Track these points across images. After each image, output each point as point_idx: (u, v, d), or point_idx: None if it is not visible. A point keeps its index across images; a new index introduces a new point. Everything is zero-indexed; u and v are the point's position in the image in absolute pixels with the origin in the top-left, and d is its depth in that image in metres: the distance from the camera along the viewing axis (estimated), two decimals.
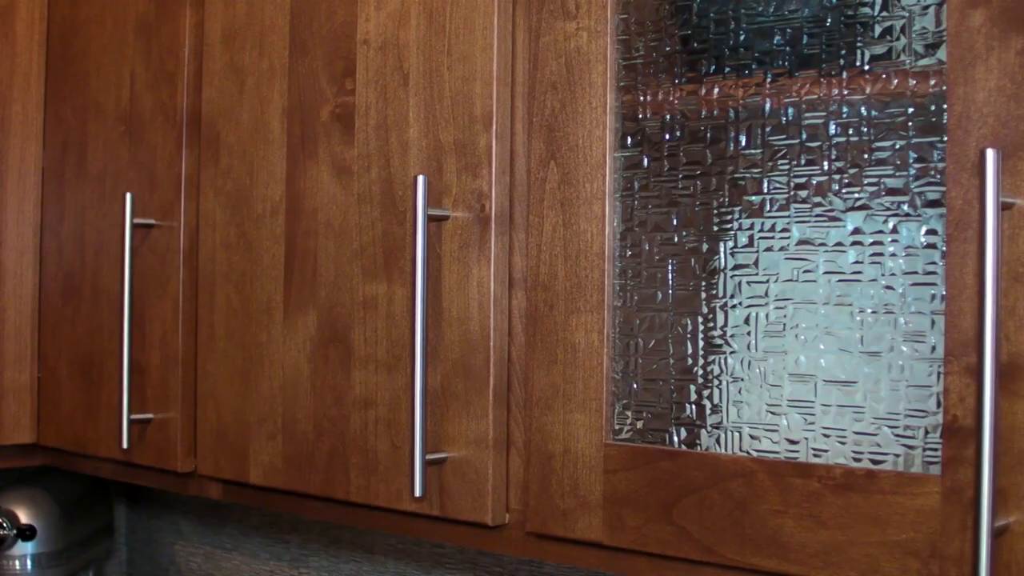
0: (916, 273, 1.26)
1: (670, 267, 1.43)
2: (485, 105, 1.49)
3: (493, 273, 1.48)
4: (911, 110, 1.26)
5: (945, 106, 1.18)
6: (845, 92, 1.30)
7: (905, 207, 1.27)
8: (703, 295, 1.42)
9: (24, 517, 2.20)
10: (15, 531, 2.19)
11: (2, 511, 2.19)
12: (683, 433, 1.42)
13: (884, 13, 1.29)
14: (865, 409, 1.29)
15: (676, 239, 1.43)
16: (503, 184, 1.49)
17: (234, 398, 1.78)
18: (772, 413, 1.36)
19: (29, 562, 2.21)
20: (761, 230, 1.37)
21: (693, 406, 1.42)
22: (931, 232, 1.26)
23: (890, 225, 1.28)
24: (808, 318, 1.34)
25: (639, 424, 1.44)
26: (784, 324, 1.35)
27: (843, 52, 1.32)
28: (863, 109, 1.30)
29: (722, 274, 1.40)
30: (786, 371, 1.35)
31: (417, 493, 1.47)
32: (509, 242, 1.50)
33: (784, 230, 1.36)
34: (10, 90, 2.07)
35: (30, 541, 2.20)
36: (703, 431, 1.41)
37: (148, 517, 2.63)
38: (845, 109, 1.31)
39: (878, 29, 1.30)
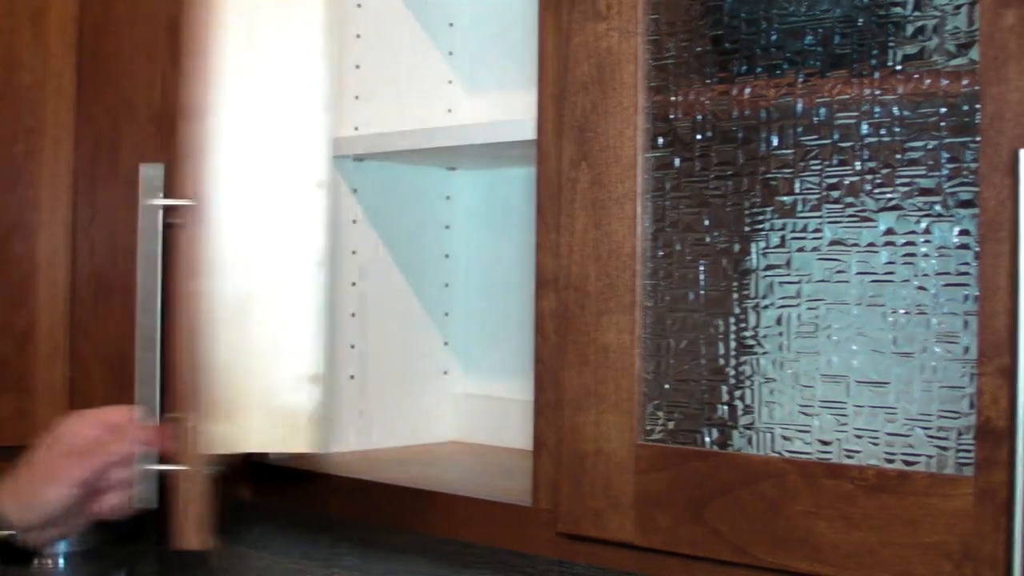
0: (949, 274, 1.26)
1: (702, 267, 1.43)
2: None
3: None
4: (943, 110, 1.26)
5: (978, 106, 1.17)
6: (877, 92, 1.30)
7: (938, 207, 1.27)
8: (735, 295, 1.42)
9: None
10: None
11: None
12: (715, 434, 1.42)
13: (916, 13, 1.29)
14: (898, 410, 1.29)
15: (708, 239, 1.43)
16: None
17: None
18: (804, 414, 1.36)
19: (62, 561, 2.21)
20: (793, 230, 1.37)
21: (725, 407, 1.42)
22: (964, 232, 1.25)
23: (923, 225, 1.28)
24: (840, 319, 1.33)
25: (671, 425, 1.43)
26: (816, 325, 1.35)
27: (875, 52, 1.32)
28: (895, 109, 1.29)
29: (754, 274, 1.40)
30: (818, 372, 1.35)
31: None
32: (540, 242, 1.50)
33: (816, 230, 1.35)
34: (43, 90, 2.08)
35: (63, 540, 2.21)
36: (735, 432, 1.41)
37: None
38: (877, 109, 1.30)
39: (910, 29, 1.29)
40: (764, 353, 1.40)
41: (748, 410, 1.40)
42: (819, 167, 1.35)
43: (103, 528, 2.27)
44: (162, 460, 1.54)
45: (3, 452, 1.65)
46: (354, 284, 2.02)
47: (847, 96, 1.32)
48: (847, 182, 1.33)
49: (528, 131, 1.62)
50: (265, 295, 1.48)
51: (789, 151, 1.36)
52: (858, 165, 1.32)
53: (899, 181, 1.29)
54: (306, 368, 1.48)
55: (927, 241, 1.28)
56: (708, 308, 1.43)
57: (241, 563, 2.50)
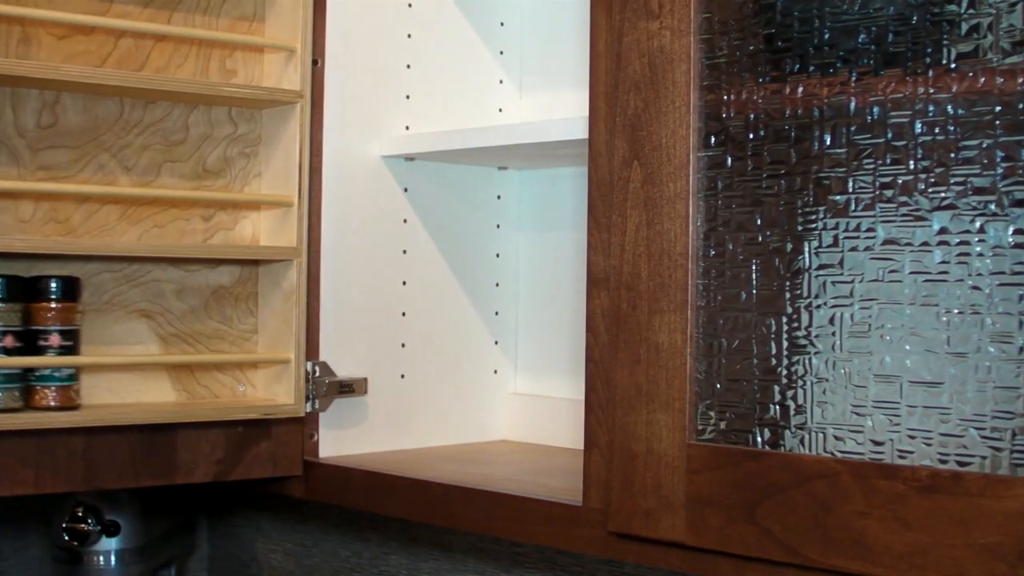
0: (1003, 273, 1.25)
1: (754, 267, 1.43)
2: None
3: None
4: (998, 108, 1.25)
5: None
6: (931, 90, 1.29)
7: (992, 206, 1.26)
8: (787, 295, 1.41)
9: (108, 513, 2.22)
10: (99, 527, 2.21)
11: (87, 507, 2.22)
12: (767, 434, 1.41)
13: (971, 11, 1.28)
14: (951, 410, 1.28)
15: (760, 239, 1.42)
16: None
17: None
18: (857, 414, 1.35)
19: (113, 557, 2.22)
20: (846, 230, 1.36)
21: (777, 407, 1.41)
22: (1019, 232, 1.24)
23: (977, 225, 1.27)
24: (894, 318, 1.33)
25: (722, 424, 1.43)
26: (869, 324, 1.35)
27: (929, 50, 1.31)
28: (949, 107, 1.28)
29: (806, 274, 1.40)
30: (871, 372, 1.34)
31: None
32: (592, 241, 1.50)
33: (869, 230, 1.35)
34: None
35: (114, 537, 2.22)
36: (787, 432, 1.41)
37: (229, 514, 2.65)
38: (931, 108, 1.30)
39: (964, 27, 1.29)
40: (816, 353, 1.39)
41: (800, 410, 1.40)
42: (872, 166, 1.34)
43: (154, 525, 2.29)
44: None
45: None
46: (405, 283, 2.03)
47: (901, 95, 1.31)
48: (900, 181, 1.32)
49: (580, 130, 1.62)
50: None
51: (842, 150, 1.36)
52: (912, 164, 1.31)
53: (953, 180, 1.28)
54: None
55: (981, 240, 1.27)
56: (760, 308, 1.43)
57: (290, 561, 2.51)
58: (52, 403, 1.75)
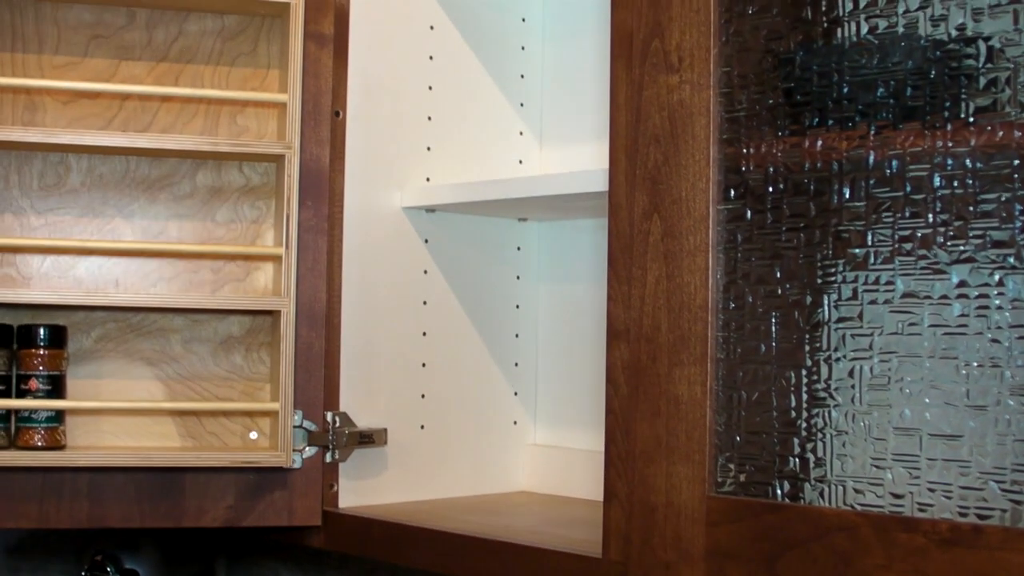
0: (1022, 326, 1.25)
1: (773, 320, 1.43)
2: None
3: None
4: (1016, 162, 1.25)
5: None
6: (950, 144, 1.30)
7: (1011, 259, 1.27)
8: (807, 348, 1.42)
9: (127, 561, 2.23)
10: (118, 575, 2.22)
11: (106, 555, 2.22)
12: (786, 486, 1.41)
13: (989, 65, 1.29)
14: (971, 463, 1.28)
15: (779, 291, 1.43)
16: None
17: None
18: (876, 467, 1.35)
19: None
20: (865, 283, 1.37)
21: (797, 459, 1.41)
22: None
23: (996, 278, 1.27)
24: (913, 371, 1.33)
25: (742, 477, 1.43)
26: (889, 377, 1.35)
27: (947, 104, 1.32)
28: (968, 161, 1.29)
29: (826, 327, 1.40)
30: (891, 424, 1.34)
31: None
32: (612, 294, 1.51)
33: (888, 283, 1.35)
34: None
35: None
36: (807, 484, 1.41)
37: (249, 563, 2.64)
38: (950, 161, 1.30)
39: (983, 81, 1.29)
40: (836, 405, 1.39)
41: (820, 463, 1.40)
42: (891, 219, 1.34)
43: (172, 574, 2.29)
44: None
45: None
46: (425, 334, 2.03)
47: (919, 148, 1.32)
48: (919, 234, 1.33)
49: (600, 183, 1.63)
50: None
51: (861, 203, 1.36)
52: (930, 217, 1.32)
53: (972, 233, 1.29)
54: None
55: (1000, 294, 1.27)
56: (780, 360, 1.43)
57: None
58: (39, 443, 1.81)
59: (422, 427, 2.03)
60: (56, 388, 1.82)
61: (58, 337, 1.83)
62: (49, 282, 1.88)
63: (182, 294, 1.91)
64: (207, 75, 1.95)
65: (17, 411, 1.81)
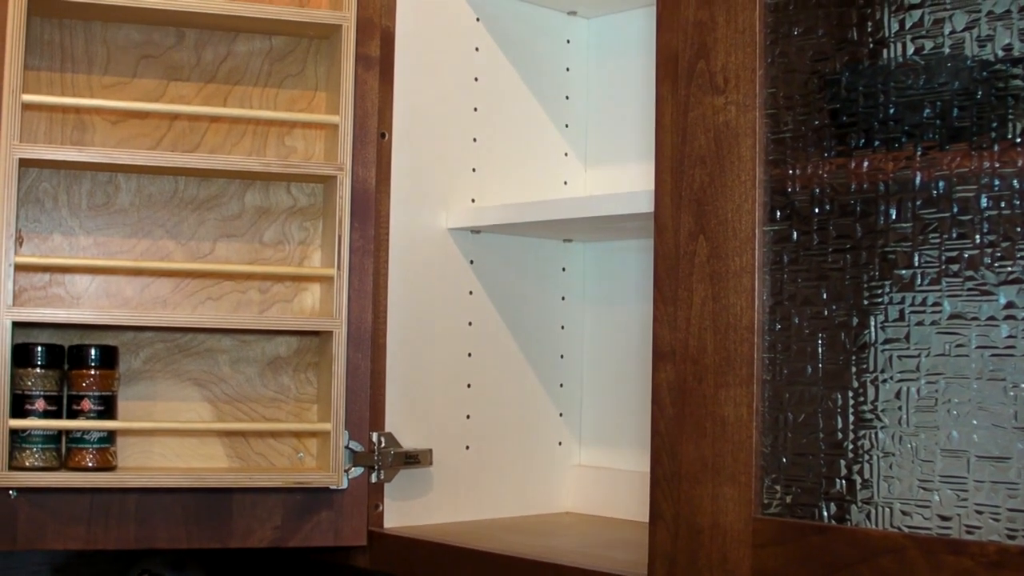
0: None
1: (820, 341, 1.43)
2: None
3: None
4: None
5: None
6: (997, 164, 1.30)
7: None
8: (853, 369, 1.41)
9: None
10: None
11: (152, 575, 2.23)
12: (833, 508, 1.41)
13: None
14: (1019, 485, 1.27)
15: (826, 313, 1.43)
16: None
17: None
18: (924, 489, 1.34)
19: None
20: (912, 304, 1.36)
21: (843, 481, 1.41)
22: None
23: None
24: (960, 393, 1.32)
25: (788, 498, 1.43)
26: (936, 399, 1.34)
27: (994, 124, 1.31)
28: (1015, 182, 1.29)
29: (873, 348, 1.40)
30: (938, 446, 1.34)
31: None
32: (657, 315, 1.51)
33: (935, 304, 1.35)
34: None
35: None
36: (853, 506, 1.40)
37: None
38: (997, 182, 1.30)
39: None
40: (883, 427, 1.39)
41: (867, 484, 1.40)
42: (938, 240, 1.34)
43: (223, 563, 2.30)
44: None
45: None
46: (470, 355, 2.04)
47: (966, 169, 1.32)
48: (966, 255, 1.32)
49: (645, 204, 1.63)
50: None
51: (908, 224, 1.36)
52: (977, 238, 1.31)
53: (1019, 254, 1.28)
54: None
55: None
56: (826, 382, 1.43)
57: None
58: (90, 464, 1.82)
59: (467, 447, 2.03)
60: (108, 408, 1.83)
61: (109, 357, 1.84)
62: (98, 302, 1.89)
63: (234, 315, 1.92)
64: (255, 96, 1.96)
65: (68, 432, 1.82)
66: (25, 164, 1.78)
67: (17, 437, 1.77)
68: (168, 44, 1.93)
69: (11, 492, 1.76)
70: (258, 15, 1.87)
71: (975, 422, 1.31)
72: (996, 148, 1.30)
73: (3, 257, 1.72)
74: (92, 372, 1.82)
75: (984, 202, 1.31)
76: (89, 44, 1.90)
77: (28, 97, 1.76)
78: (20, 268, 1.80)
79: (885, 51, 1.40)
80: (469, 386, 2.04)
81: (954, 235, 1.33)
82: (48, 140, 1.87)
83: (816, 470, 1.42)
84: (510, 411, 2.10)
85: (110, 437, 1.83)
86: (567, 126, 2.19)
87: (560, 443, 2.17)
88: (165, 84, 1.93)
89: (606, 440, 2.16)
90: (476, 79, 2.07)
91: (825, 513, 1.41)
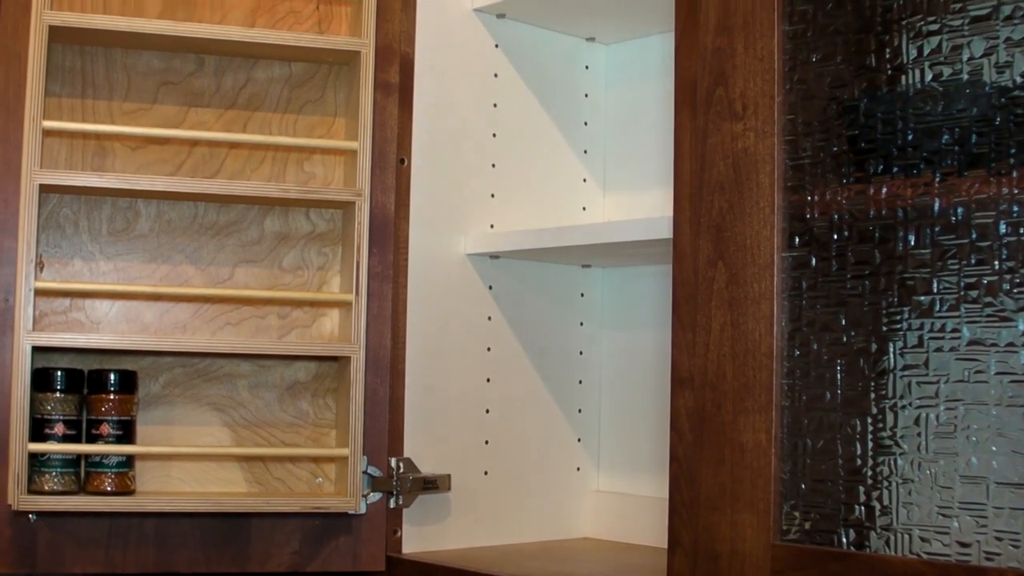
0: None
1: (839, 367, 1.43)
2: None
3: None
4: None
5: None
6: (1015, 191, 1.30)
7: None
8: (872, 395, 1.41)
9: None
10: None
11: None
12: (852, 534, 1.41)
13: None
14: None
15: (845, 339, 1.42)
16: None
17: None
18: (943, 515, 1.34)
19: None
20: (931, 330, 1.36)
21: (862, 507, 1.41)
22: None
23: None
24: (980, 419, 1.32)
25: (807, 525, 1.43)
26: (955, 425, 1.34)
27: (1013, 151, 1.31)
28: None
29: (891, 374, 1.39)
30: (957, 473, 1.33)
31: None
32: (676, 341, 1.51)
33: (954, 330, 1.35)
34: None
35: None
36: (872, 533, 1.40)
37: None
38: (1015, 208, 1.30)
39: None
40: (902, 453, 1.39)
41: (886, 511, 1.39)
42: (957, 266, 1.34)
43: None
44: None
45: None
46: (489, 380, 2.04)
47: (985, 195, 1.32)
48: (985, 281, 1.32)
49: (664, 230, 1.63)
50: None
51: (926, 250, 1.36)
52: (996, 264, 1.31)
53: None
54: None
55: None
56: (845, 408, 1.43)
57: None
58: (109, 488, 1.82)
59: (486, 473, 2.03)
60: (127, 433, 1.83)
61: (129, 382, 1.85)
62: (117, 327, 1.90)
63: (253, 340, 1.93)
64: (275, 122, 1.97)
65: (87, 456, 1.82)
66: (46, 190, 1.79)
67: (36, 461, 1.78)
68: (188, 71, 1.94)
69: (31, 516, 1.76)
70: (278, 42, 1.88)
71: (994, 448, 1.31)
72: (1015, 174, 1.30)
73: (24, 282, 1.73)
74: (111, 396, 1.82)
75: (1003, 228, 1.31)
76: (110, 71, 1.91)
77: (49, 123, 1.77)
78: (41, 293, 1.81)
79: (903, 78, 1.41)
80: (488, 411, 2.04)
81: (973, 261, 1.33)
82: (69, 166, 1.88)
83: (835, 496, 1.42)
84: (528, 437, 2.10)
85: (129, 461, 1.84)
86: (586, 152, 2.19)
87: (578, 469, 2.17)
88: (185, 110, 1.94)
89: (624, 466, 2.16)
90: (495, 105, 2.07)
91: (844, 540, 1.41)
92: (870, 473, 1.41)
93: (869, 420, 1.41)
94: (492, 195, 2.06)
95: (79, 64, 1.90)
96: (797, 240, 1.44)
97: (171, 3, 1.91)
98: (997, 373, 1.31)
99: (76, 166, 1.88)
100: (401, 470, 1.90)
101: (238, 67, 1.96)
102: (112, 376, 1.83)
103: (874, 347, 1.41)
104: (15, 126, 1.76)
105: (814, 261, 1.44)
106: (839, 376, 1.43)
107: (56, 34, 1.79)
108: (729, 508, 1.43)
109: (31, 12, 1.76)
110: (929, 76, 1.38)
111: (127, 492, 1.82)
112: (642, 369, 2.13)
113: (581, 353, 2.18)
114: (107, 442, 1.81)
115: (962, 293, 1.34)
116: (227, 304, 1.95)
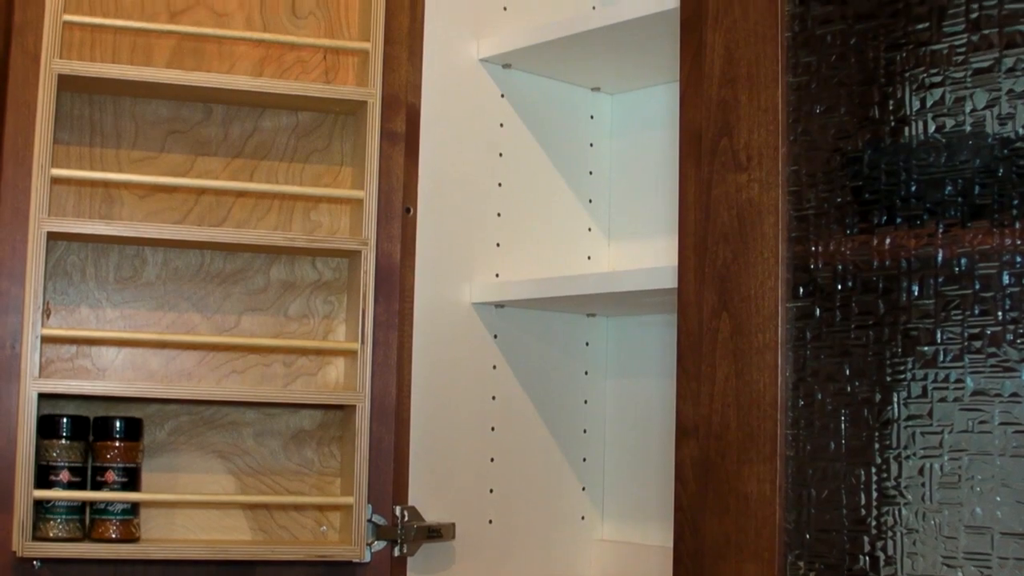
0: None
1: (843, 417, 1.43)
2: None
3: None
4: None
5: None
6: (1018, 242, 1.30)
7: None
8: (876, 445, 1.41)
9: None
10: None
11: None
12: None
13: None
14: None
15: (849, 389, 1.43)
16: None
17: None
18: (948, 566, 1.34)
19: None
20: (935, 380, 1.37)
21: (867, 557, 1.41)
22: None
23: None
24: (984, 469, 1.32)
25: (812, 575, 1.42)
26: (959, 475, 1.34)
27: (1015, 202, 1.32)
28: None
29: (895, 424, 1.40)
30: (962, 523, 1.33)
31: None
32: (681, 391, 1.51)
33: (958, 381, 1.35)
34: None
35: None
36: None
37: None
38: (1019, 259, 1.30)
39: None
40: (906, 503, 1.38)
41: (890, 561, 1.39)
42: (960, 317, 1.34)
43: None
44: None
45: None
46: (493, 429, 2.04)
47: (988, 246, 1.32)
48: (989, 332, 1.33)
49: (669, 279, 1.64)
50: None
51: (930, 301, 1.36)
52: (1000, 315, 1.32)
53: None
54: None
55: None
56: (849, 458, 1.43)
57: None
58: (114, 535, 1.82)
59: (490, 522, 2.03)
60: (132, 480, 1.84)
61: (134, 429, 1.85)
62: (124, 374, 1.90)
63: (259, 388, 1.93)
64: (281, 171, 1.98)
65: (92, 503, 1.82)
66: (53, 237, 1.80)
67: (41, 508, 1.78)
68: (196, 120, 1.95)
69: (35, 563, 1.76)
70: (285, 91, 1.89)
71: (998, 499, 1.31)
72: (1017, 225, 1.30)
73: (31, 329, 1.74)
74: (117, 444, 1.82)
75: (1006, 279, 1.31)
76: (118, 119, 1.92)
77: (57, 171, 1.78)
78: (47, 340, 1.82)
79: (907, 129, 1.41)
80: (492, 460, 2.04)
81: (976, 312, 1.33)
82: (77, 213, 1.88)
83: (840, 546, 1.42)
84: (533, 485, 2.10)
85: (134, 509, 1.84)
86: (591, 201, 2.20)
87: (583, 517, 2.17)
88: (193, 159, 1.95)
89: (629, 515, 2.16)
90: (500, 154, 2.08)
91: None
92: (874, 523, 1.41)
93: (873, 470, 1.41)
94: (497, 244, 2.07)
95: (88, 112, 1.91)
96: (801, 290, 1.44)
97: (179, 52, 1.93)
98: (1001, 423, 1.31)
99: (84, 214, 1.89)
100: (405, 518, 1.90)
101: (245, 116, 1.97)
102: (118, 423, 1.83)
103: (878, 397, 1.41)
104: (23, 173, 1.77)
105: (818, 311, 1.44)
106: (843, 426, 1.43)
107: (65, 83, 1.80)
108: (734, 558, 1.43)
109: (40, 61, 1.77)
110: (932, 128, 1.39)
111: (132, 539, 1.82)
112: (646, 418, 2.14)
113: (586, 402, 2.18)
114: (112, 489, 1.82)
115: (966, 344, 1.34)
116: (233, 352, 1.95)
